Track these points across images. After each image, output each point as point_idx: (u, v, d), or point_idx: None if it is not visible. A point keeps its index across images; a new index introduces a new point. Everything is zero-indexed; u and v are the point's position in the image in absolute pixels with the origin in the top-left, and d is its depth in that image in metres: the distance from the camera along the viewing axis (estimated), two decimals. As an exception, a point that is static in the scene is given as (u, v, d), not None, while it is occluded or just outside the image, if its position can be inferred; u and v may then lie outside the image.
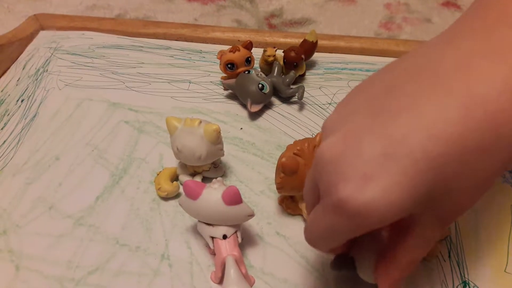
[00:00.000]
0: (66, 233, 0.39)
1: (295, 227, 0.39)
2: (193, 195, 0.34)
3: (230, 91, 0.51)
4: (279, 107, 0.51)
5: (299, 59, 0.50)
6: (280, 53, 0.52)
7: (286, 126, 0.48)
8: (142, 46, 0.58)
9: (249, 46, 0.50)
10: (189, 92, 0.52)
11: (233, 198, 0.33)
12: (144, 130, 0.48)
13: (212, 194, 0.34)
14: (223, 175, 0.43)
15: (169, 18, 0.65)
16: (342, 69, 0.55)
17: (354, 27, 0.63)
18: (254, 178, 0.43)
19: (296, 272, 0.36)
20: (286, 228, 0.39)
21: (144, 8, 0.68)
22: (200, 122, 0.39)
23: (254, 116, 0.49)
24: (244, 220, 0.35)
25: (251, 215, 0.35)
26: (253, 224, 0.39)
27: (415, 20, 0.65)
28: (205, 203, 0.34)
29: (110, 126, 0.48)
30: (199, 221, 0.35)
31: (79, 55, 0.57)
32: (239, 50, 0.49)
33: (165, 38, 0.59)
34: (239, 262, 0.34)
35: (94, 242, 0.38)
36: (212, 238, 0.35)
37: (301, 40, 0.53)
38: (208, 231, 0.35)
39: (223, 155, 0.41)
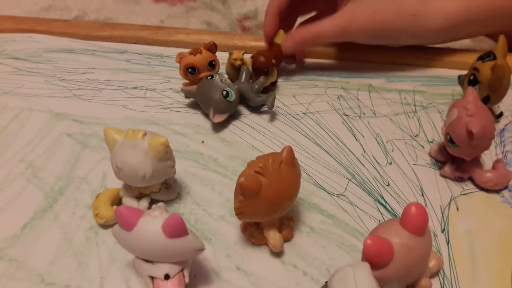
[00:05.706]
0: (-20, 270, 0.32)
1: (259, 260, 0.33)
2: (127, 224, 0.27)
3: (192, 99, 0.45)
4: (247, 117, 0.45)
5: (269, 65, 0.45)
6: (248, 56, 0.46)
7: (254, 139, 0.42)
8: (95, 50, 0.52)
9: (212, 48, 0.44)
10: (144, 100, 0.46)
11: (176, 229, 0.27)
12: (88, 144, 0.41)
13: (150, 224, 0.27)
14: (177, 197, 0.37)
15: (133, 20, 0.60)
16: (319, 75, 0.49)
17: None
18: (214, 200, 0.37)
19: (259, 316, 0.30)
20: (249, 261, 0.33)
21: (106, 9, 0.62)
22: (145, 134, 0.32)
23: (218, 127, 0.43)
24: (191, 256, 0.29)
25: (201, 250, 0.28)
26: (208, 257, 0.33)
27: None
28: (142, 235, 0.27)
29: (49, 140, 0.41)
30: (136, 257, 0.29)
31: (23, 59, 0.50)
32: (200, 53, 0.43)
33: (122, 41, 0.53)
34: (184, 309, 0.27)
35: (14, 280, 0.32)
36: (152, 278, 0.28)
37: (274, 43, 0.47)
38: (146, 269, 0.28)
39: (174, 173, 0.35)
